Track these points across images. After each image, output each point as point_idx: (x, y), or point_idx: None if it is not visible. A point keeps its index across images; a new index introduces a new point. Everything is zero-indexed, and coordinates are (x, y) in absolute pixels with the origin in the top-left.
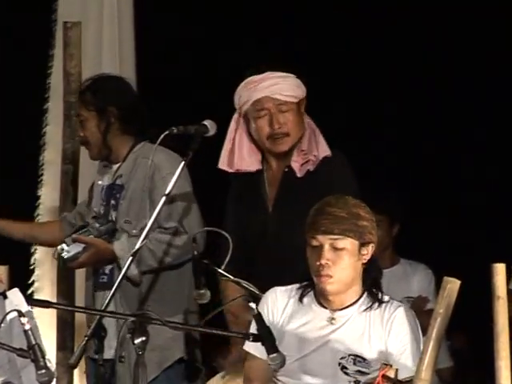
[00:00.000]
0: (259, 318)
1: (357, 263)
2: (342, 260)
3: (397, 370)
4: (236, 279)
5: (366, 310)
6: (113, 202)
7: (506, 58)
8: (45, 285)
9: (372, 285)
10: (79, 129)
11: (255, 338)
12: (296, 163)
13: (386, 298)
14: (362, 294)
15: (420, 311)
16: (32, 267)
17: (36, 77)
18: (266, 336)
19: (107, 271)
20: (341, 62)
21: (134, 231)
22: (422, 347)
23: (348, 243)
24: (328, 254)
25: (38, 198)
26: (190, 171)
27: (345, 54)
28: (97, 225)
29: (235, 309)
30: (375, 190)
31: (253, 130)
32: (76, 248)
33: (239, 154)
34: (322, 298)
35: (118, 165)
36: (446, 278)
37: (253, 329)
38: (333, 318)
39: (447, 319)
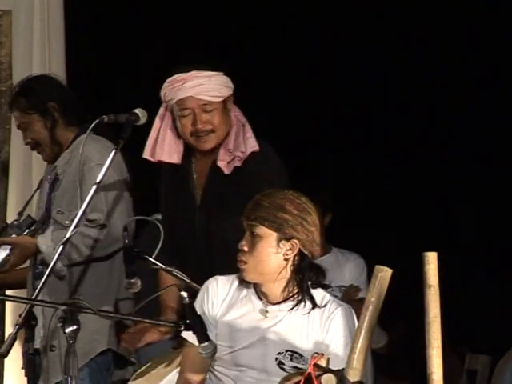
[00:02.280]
0: (190, 307)
1: (276, 256)
2: (256, 248)
3: (328, 358)
4: (167, 268)
5: (304, 309)
6: (54, 194)
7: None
8: None
9: (306, 284)
10: (24, 136)
11: (186, 327)
12: (223, 162)
13: (325, 300)
14: (298, 292)
15: (352, 300)
16: None
17: None
18: (197, 325)
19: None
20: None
21: (67, 222)
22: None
23: (264, 232)
24: (246, 240)
25: None
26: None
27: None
28: (15, 222)
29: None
30: (307, 181)
31: (178, 126)
32: (2, 252)
33: (161, 145)
34: (259, 290)
35: None
36: (377, 267)
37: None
38: (266, 311)
39: (379, 308)
